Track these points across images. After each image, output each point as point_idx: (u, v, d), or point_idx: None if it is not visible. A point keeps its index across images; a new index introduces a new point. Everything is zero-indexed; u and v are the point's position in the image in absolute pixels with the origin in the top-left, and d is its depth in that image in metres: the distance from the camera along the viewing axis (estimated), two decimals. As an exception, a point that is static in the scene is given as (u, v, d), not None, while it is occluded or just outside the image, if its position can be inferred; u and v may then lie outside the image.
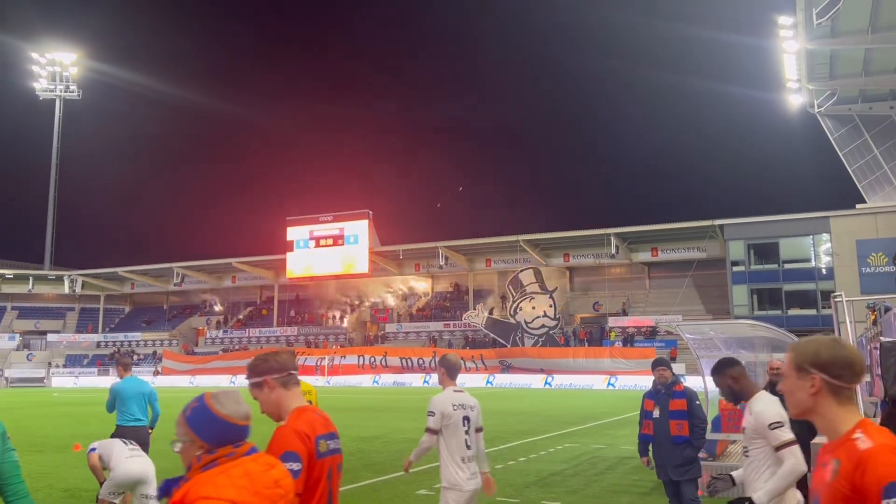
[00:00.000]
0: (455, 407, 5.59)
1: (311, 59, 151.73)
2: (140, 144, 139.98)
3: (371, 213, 61.25)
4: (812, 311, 43.80)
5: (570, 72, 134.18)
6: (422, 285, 65.55)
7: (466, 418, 5.66)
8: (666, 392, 7.13)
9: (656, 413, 7.14)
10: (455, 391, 5.76)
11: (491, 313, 55.72)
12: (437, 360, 6.04)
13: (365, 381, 51.59)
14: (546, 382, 45.12)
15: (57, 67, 79.52)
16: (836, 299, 8.70)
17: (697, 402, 7.13)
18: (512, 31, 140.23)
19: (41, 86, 79.34)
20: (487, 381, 46.79)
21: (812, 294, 44.62)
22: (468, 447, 5.59)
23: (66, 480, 11.50)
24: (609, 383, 43.33)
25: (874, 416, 8.48)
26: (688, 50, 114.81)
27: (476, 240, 57.83)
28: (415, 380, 49.75)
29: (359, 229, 60.68)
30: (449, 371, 5.83)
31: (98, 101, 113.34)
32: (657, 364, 7.36)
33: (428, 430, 5.58)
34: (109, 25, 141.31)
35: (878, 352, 6.83)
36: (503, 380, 46.96)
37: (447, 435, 5.55)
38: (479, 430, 5.81)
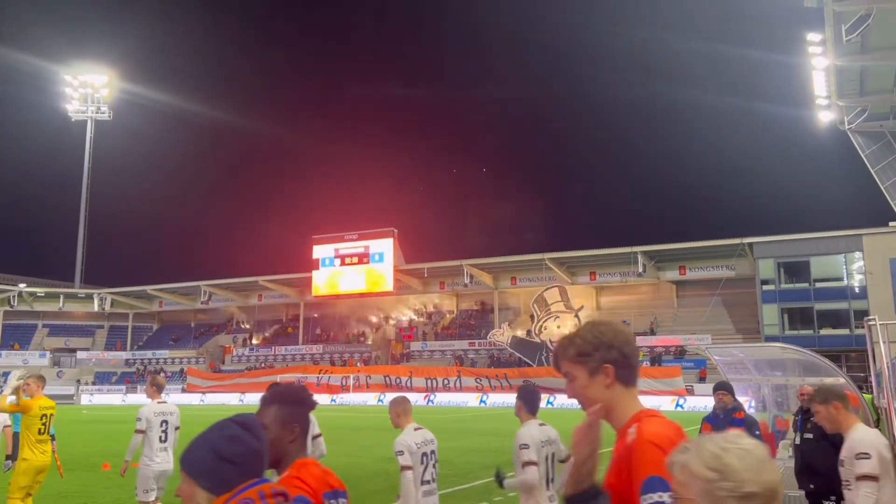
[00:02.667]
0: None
1: (338, 79, 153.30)
2: (168, 164, 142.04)
3: (396, 231, 61.43)
4: (845, 331, 42.95)
5: (599, 91, 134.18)
6: (447, 304, 65.44)
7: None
8: (725, 418, 6.95)
9: None
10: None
11: (524, 332, 55.42)
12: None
13: (384, 399, 51.50)
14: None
15: (89, 89, 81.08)
16: (870, 322, 8.47)
17: (758, 433, 6.96)
18: (540, 51, 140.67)
19: (73, 107, 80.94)
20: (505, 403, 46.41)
21: (844, 314, 43.77)
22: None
23: (95, 499, 11.50)
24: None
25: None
26: (716, 67, 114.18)
27: (501, 258, 57.67)
28: (439, 399, 49.59)
29: (384, 247, 60.82)
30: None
31: (128, 122, 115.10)
32: (718, 388, 7.21)
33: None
34: (139, 47, 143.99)
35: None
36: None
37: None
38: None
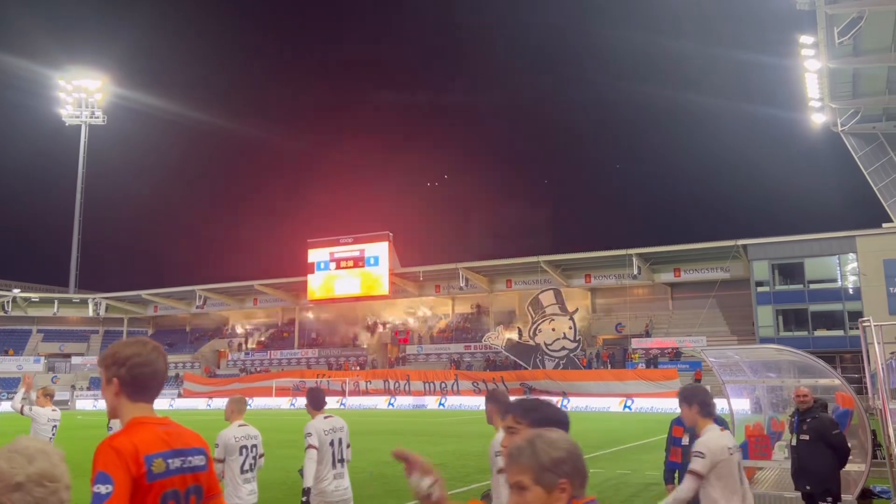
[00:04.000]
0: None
1: (332, 83, 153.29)
2: (163, 169, 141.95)
3: (391, 234, 61.43)
4: (839, 332, 43.09)
5: (594, 95, 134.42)
6: (442, 307, 65.43)
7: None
8: None
9: (685, 440, 6.97)
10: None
11: (512, 335, 55.43)
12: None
13: (379, 402, 51.49)
14: (562, 404, 44.62)
15: (83, 94, 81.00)
16: (865, 324, 8.51)
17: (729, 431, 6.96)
18: (532, 55, 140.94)
19: (67, 112, 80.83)
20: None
21: (839, 315, 43.92)
22: None
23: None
24: (626, 405, 42.77)
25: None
26: (710, 70, 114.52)
27: (496, 261, 57.69)
28: (431, 402, 49.62)
29: (379, 251, 60.81)
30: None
31: (122, 127, 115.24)
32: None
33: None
34: (133, 52, 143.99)
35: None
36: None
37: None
38: None
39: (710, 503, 4.77)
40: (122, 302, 72.44)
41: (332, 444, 6.60)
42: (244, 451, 6.55)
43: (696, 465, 4.78)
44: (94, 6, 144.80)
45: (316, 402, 6.75)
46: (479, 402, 47.76)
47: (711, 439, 4.83)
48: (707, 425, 4.97)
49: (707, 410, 5.02)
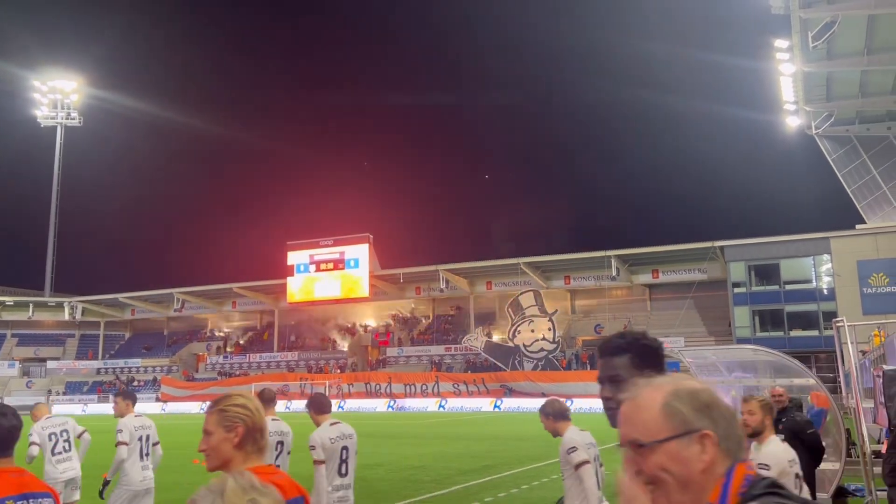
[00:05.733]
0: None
1: (310, 84, 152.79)
2: (140, 171, 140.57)
3: (371, 236, 61.33)
4: (814, 333, 43.66)
5: (571, 97, 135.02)
6: (422, 309, 65.41)
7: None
8: None
9: None
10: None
11: (490, 337, 55.55)
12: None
13: (365, 405, 51.24)
14: (537, 407, 44.66)
15: (58, 95, 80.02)
16: (839, 324, 8.67)
17: None
18: (511, 57, 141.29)
19: (43, 113, 79.79)
20: (495, 406, 46.21)
21: (814, 315, 44.51)
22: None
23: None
24: (599, 407, 42.83)
25: (879, 443, 8.43)
26: (686, 73, 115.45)
27: (477, 263, 57.80)
28: (413, 404, 49.50)
29: (359, 253, 60.68)
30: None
31: (99, 128, 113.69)
32: None
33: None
34: (110, 53, 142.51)
35: (882, 380, 6.80)
36: (510, 404, 46.40)
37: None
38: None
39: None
40: (98, 305, 71.66)
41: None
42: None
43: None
44: (70, 7, 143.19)
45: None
46: (460, 403, 47.86)
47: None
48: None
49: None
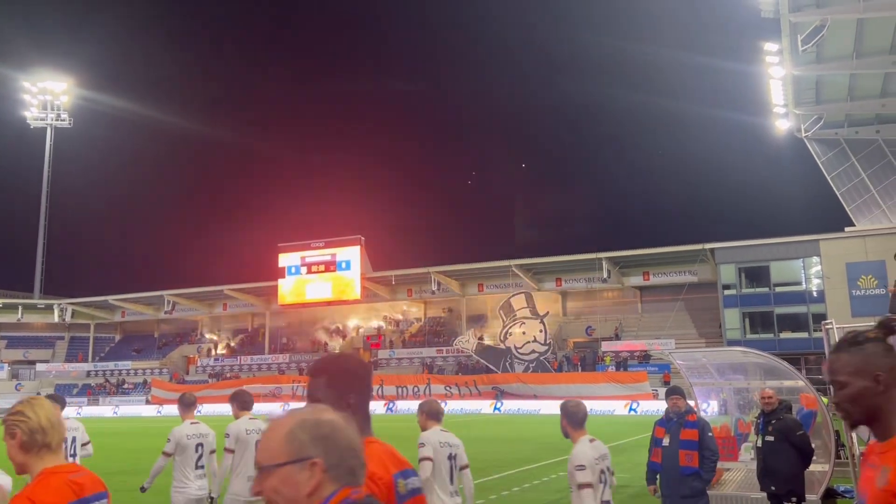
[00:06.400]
0: None
1: (302, 86, 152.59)
2: (130, 172, 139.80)
3: (363, 238, 61.28)
4: (804, 335, 43.88)
5: (562, 99, 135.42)
6: (414, 311, 65.40)
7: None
8: (678, 421, 7.09)
9: (666, 441, 7.10)
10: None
11: (482, 339, 55.56)
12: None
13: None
14: (535, 409, 44.66)
15: (48, 96, 79.60)
16: (828, 326, 8.73)
17: (710, 434, 7.07)
18: (502, 58, 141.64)
19: (32, 114, 79.34)
20: (495, 408, 45.96)
21: (803, 317, 44.74)
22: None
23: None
24: (591, 410, 42.78)
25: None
26: (677, 75, 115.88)
27: (468, 265, 57.83)
28: (404, 406, 49.38)
29: (351, 255, 60.62)
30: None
31: (89, 129, 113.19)
32: (671, 393, 7.34)
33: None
34: (100, 54, 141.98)
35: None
36: (509, 406, 45.94)
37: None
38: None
39: None
40: (88, 307, 71.28)
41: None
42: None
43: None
44: (60, 8, 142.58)
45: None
46: (452, 406, 47.78)
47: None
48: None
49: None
